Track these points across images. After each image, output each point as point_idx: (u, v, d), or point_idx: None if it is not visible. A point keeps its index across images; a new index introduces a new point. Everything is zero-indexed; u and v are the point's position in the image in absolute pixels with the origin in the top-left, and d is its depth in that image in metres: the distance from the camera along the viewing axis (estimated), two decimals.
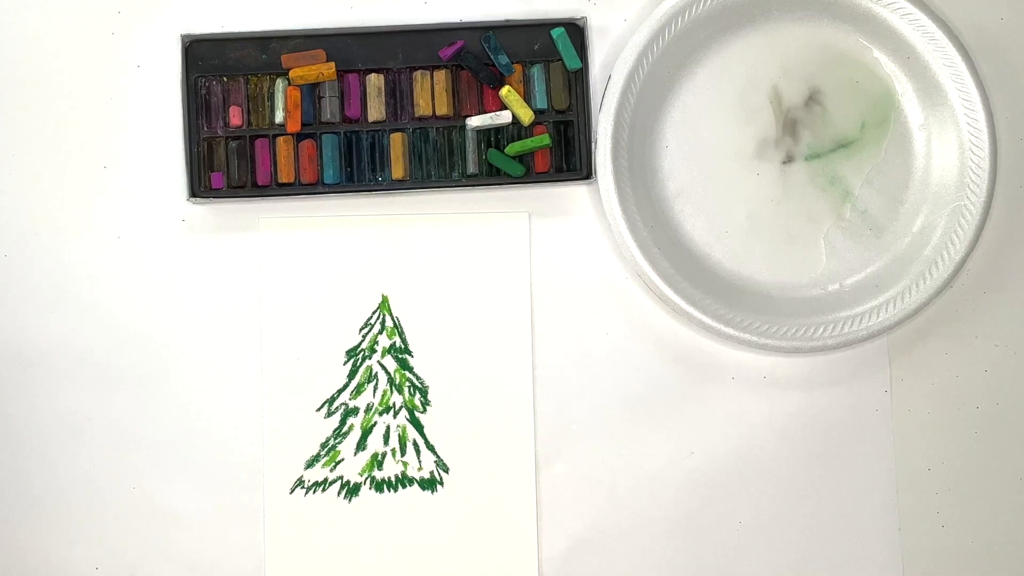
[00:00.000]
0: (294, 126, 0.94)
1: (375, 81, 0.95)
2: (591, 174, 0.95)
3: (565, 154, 0.96)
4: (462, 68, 0.95)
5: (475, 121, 0.95)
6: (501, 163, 0.95)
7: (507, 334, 0.96)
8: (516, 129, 0.95)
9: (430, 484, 0.96)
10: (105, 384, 0.95)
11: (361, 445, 0.96)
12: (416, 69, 0.95)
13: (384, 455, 0.96)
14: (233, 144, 0.95)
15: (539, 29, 0.95)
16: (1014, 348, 0.98)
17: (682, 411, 0.96)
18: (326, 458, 0.96)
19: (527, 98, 0.95)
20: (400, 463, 0.96)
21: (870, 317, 0.94)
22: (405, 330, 0.96)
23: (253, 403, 0.95)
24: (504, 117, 0.95)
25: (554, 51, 0.95)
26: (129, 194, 0.96)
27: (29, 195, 0.95)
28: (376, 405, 0.96)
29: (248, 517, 0.95)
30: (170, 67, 0.95)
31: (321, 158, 0.95)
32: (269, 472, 0.95)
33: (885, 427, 0.97)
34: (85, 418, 0.95)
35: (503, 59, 0.95)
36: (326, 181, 0.94)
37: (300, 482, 0.95)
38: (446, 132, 0.95)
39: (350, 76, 0.95)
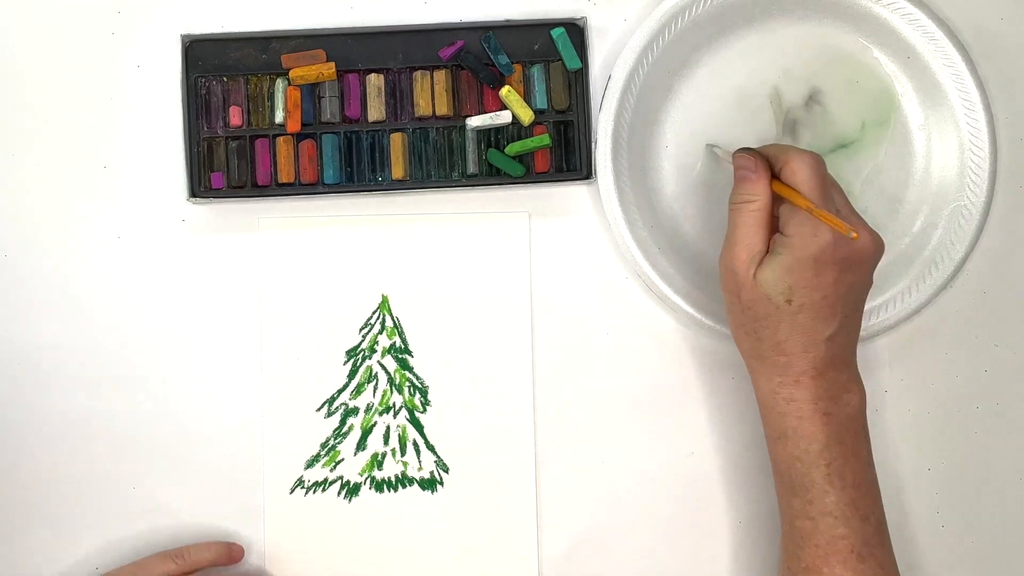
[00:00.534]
0: (294, 126, 0.94)
1: (375, 81, 0.95)
2: (591, 174, 0.95)
3: (565, 154, 0.96)
4: (462, 68, 0.95)
5: (475, 121, 0.95)
6: (501, 163, 0.95)
7: (507, 334, 0.96)
8: (516, 129, 0.95)
9: (430, 484, 0.96)
10: (105, 384, 0.95)
11: (361, 445, 0.96)
12: (416, 69, 0.95)
13: (384, 455, 0.96)
14: (233, 144, 0.95)
15: (539, 29, 0.95)
16: (1014, 348, 0.98)
17: (682, 411, 0.96)
18: (326, 458, 0.96)
19: (527, 98, 0.95)
20: (400, 463, 0.96)
21: (870, 317, 0.94)
22: (405, 330, 0.96)
23: (253, 403, 0.96)
24: (504, 117, 0.95)
25: (554, 51, 0.95)
26: (129, 194, 0.96)
27: (29, 195, 0.95)
28: (376, 405, 0.96)
29: (248, 517, 0.95)
30: (170, 67, 0.95)
31: (321, 158, 0.95)
32: (269, 472, 0.95)
33: (885, 427, 0.97)
34: (85, 418, 0.95)
35: (503, 59, 0.95)
36: (326, 181, 0.94)
37: (300, 482, 0.95)
38: (446, 132, 0.95)
39: (350, 76, 0.95)
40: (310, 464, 0.96)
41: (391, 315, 0.96)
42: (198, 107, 0.95)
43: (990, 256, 0.98)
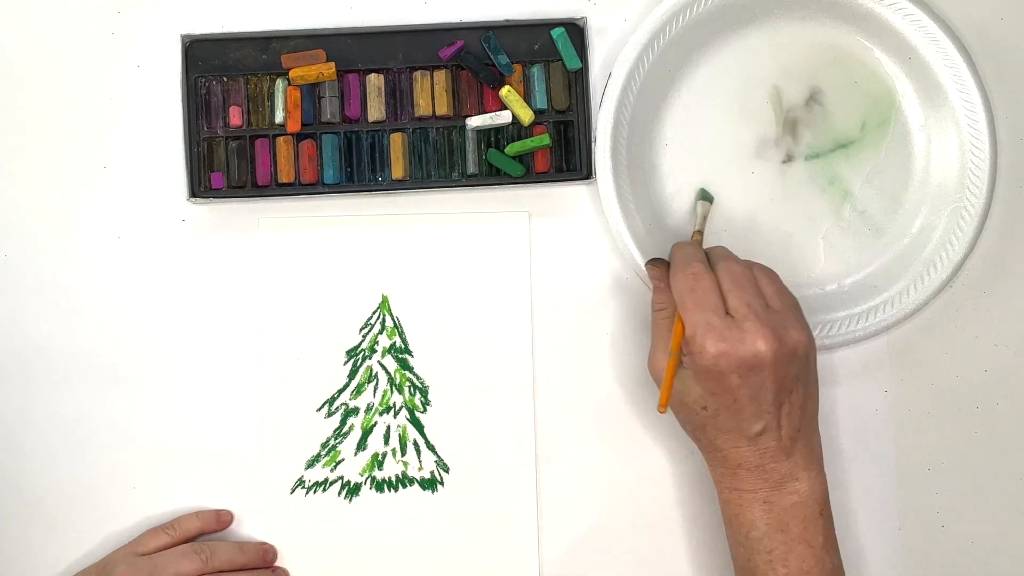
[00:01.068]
0: (294, 126, 0.94)
1: (375, 81, 0.95)
2: (591, 174, 0.95)
3: (565, 154, 0.96)
4: (462, 68, 0.95)
5: (475, 121, 0.95)
6: (501, 163, 0.94)
7: (507, 334, 0.96)
8: (516, 129, 0.95)
9: (430, 484, 0.96)
10: (105, 384, 0.95)
11: (361, 445, 0.96)
12: (416, 69, 0.95)
13: (384, 455, 0.96)
14: (233, 144, 0.95)
15: (539, 29, 0.95)
16: (1014, 348, 0.98)
17: None
18: (326, 458, 0.96)
19: (527, 98, 0.95)
20: (400, 463, 0.96)
21: (868, 317, 0.95)
22: (405, 330, 0.96)
23: (253, 403, 0.96)
24: (504, 117, 0.95)
25: (554, 51, 0.95)
26: (129, 194, 0.96)
27: (29, 195, 0.95)
28: (376, 405, 0.96)
29: (249, 517, 0.95)
30: (170, 67, 0.95)
31: (321, 158, 0.95)
32: (270, 472, 0.95)
33: (885, 427, 0.97)
34: (85, 418, 0.95)
35: (503, 59, 0.95)
36: (326, 181, 0.94)
37: (301, 482, 0.95)
38: (446, 132, 0.95)
39: (350, 76, 0.95)
40: (310, 464, 0.96)
41: (391, 315, 0.96)
42: (198, 107, 0.95)
43: (990, 256, 0.98)
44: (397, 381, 0.96)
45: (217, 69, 0.95)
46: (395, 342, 0.96)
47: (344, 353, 0.96)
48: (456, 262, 0.96)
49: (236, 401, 0.95)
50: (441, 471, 0.96)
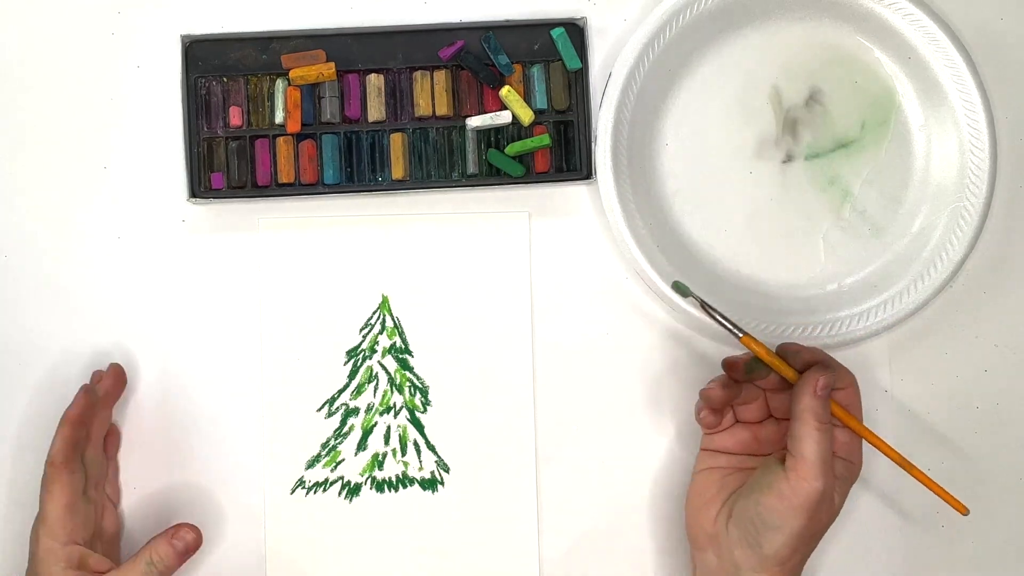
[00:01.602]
0: (294, 126, 0.94)
1: (375, 81, 0.95)
2: (591, 174, 0.95)
3: (565, 154, 0.96)
4: (462, 68, 0.95)
5: (475, 121, 0.95)
6: (501, 163, 0.95)
7: (507, 334, 0.96)
8: (516, 129, 0.95)
9: (431, 484, 0.96)
10: None
11: (362, 445, 0.96)
12: (416, 69, 0.95)
13: (385, 455, 0.96)
14: (233, 144, 0.95)
15: (539, 29, 0.95)
16: (1014, 348, 0.98)
17: (682, 411, 0.96)
18: (327, 458, 0.96)
19: (527, 98, 0.95)
20: (401, 463, 0.96)
21: (868, 317, 0.95)
22: (405, 330, 0.96)
23: (253, 403, 0.96)
24: (504, 117, 0.95)
25: (554, 51, 0.95)
26: (129, 194, 0.96)
27: (29, 195, 0.95)
28: (376, 405, 0.96)
29: (249, 517, 0.95)
30: (170, 67, 0.95)
31: (321, 158, 0.95)
32: (270, 472, 0.95)
33: (885, 427, 0.97)
34: None
35: (503, 59, 0.95)
36: (326, 181, 0.94)
37: (301, 482, 0.95)
38: (446, 132, 0.95)
39: (350, 76, 0.95)
40: (311, 464, 0.96)
41: (391, 315, 0.96)
42: (198, 107, 0.95)
43: (990, 256, 0.98)
44: (397, 381, 0.96)
45: (217, 69, 0.95)
46: (395, 342, 0.96)
47: (344, 353, 0.96)
48: (456, 262, 0.96)
49: (236, 401, 0.95)
50: (441, 471, 0.96)
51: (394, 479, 0.96)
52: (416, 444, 0.96)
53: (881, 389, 0.97)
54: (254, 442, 0.95)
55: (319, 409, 0.96)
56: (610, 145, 0.94)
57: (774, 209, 0.97)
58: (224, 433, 0.95)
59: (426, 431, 0.96)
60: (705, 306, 0.87)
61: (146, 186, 0.96)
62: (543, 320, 0.96)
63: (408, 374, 0.96)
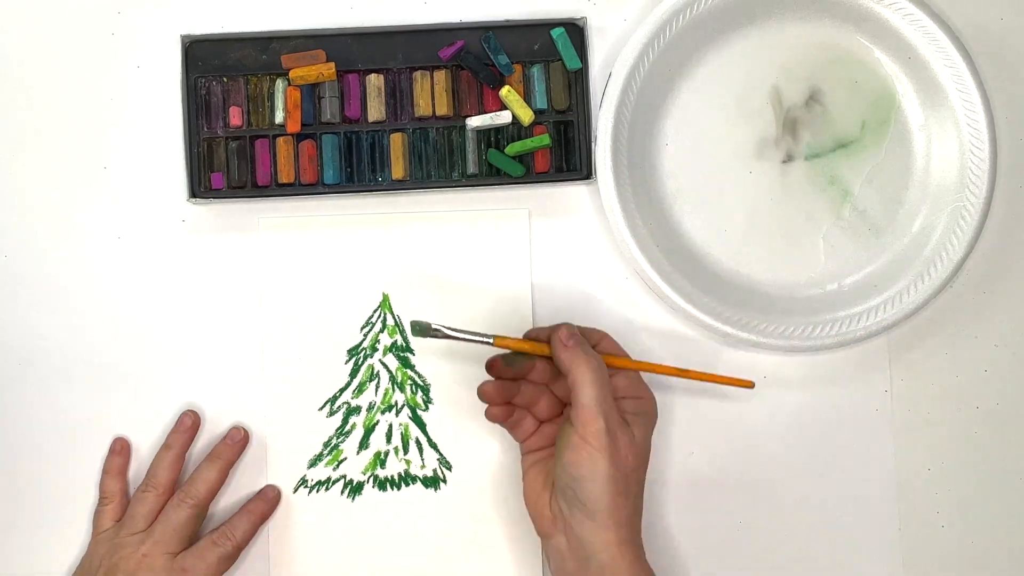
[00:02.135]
0: (294, 126, 0.94)
1: (375, 81, 0.95)
2: (591, 174, 0.95)
3: (565, 154, 0.96)
4: (462, 68, 0.95)
5: (475, 121, 0.95)
6: (501, 163, 0.95)
7: (507, 333, 0.96)
8: (516, 129, 0.95)
9: (433, 482, 0.96)
10: (105, 384, 0.95)
11: (364, 444, 0.96)
12: (416, 69, 0.95)
13: (387, 453, 0.96)
14: (233, 144, 0.95)
15: (539, 29, 0.95)
16: (1014, 348, 0.98)
17: (682, 411, 0.97)
18: (329, 457, 0.96)
19: (527, 98, 0.95)
20: (403, 461, 0.96)
21: (868, 317, 0.95)
22: (406, 328, 0.96)
23: (255, 403, 0.96)
24: (504, 117, 0.95)
25: (554, 51, 0.95)
26: (129, 194, 0.96)
27: (29, 195, 0.95)
28: (378, 404, 0.96)
29: None
30: (170, 67, 0.95)
31: (321, 158, 0.95)
32: (272, 472, 0.96)
33: (885, 427, 0.97)
34: (85, 418, 0.95)
35: (503, 59, 0.95)
36: (326, 181, 0.94)
37: (303, 481, 0.96)
38: (446, 132, 0.95)
39: (350, 76, 0.95)
40: (313, 463, 0.96)
41: (392, 313, 0.96)
42: (198, 107, 0.95)
43: (990, 256, 0.98)
44: (399, 379, 0.96)
45: (217, 69, 0.95)
46: (396, 340, 0.97)
47: (345, 352, 0.96)
48: (457, 261, 0.96)
49: (237, 401, 0.96)
50: (443, 469, 0.96)
51: (396, 477, 0.96)
52: (418, 442, 0.96)
53: (881, 389, 0.97)
54: (256, 442, 0.96)
55: (321, 408, 0.96)
56: (610, 145, 0.94)
57: (774, 209, 0.97)
58: (225, 433, 0.95)
59: (428, 429, 0.96)
60: (449, 330, 0.88)
61: (146, 186, 0.96)
62: (543, 320, 0.96)
63: (409, 372, 0.96)
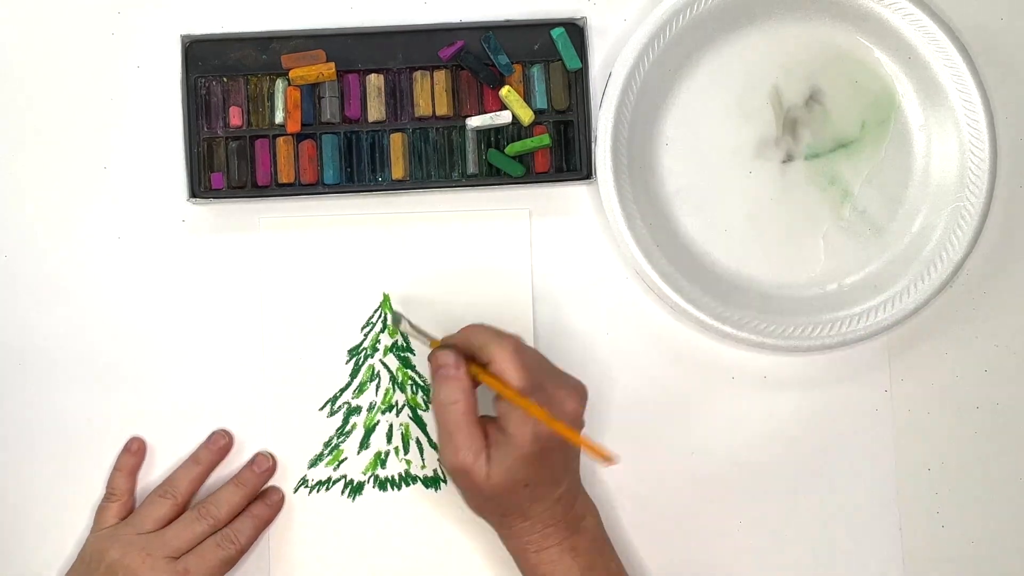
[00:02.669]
0: (294, 126, 0.94)
1: (375, 81, 0.95)
2: (591, 174, 0.95)
3: (565, 154, 0.96)
4: (462, 68, 0.95)
5: (475, 121, 0.95)
6: (501, 163, 0.95)
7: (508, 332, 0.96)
8: (516, 129, 0.95)
9: (433, 482, 0.96)
10: (105, 384, 0.95)
11: (364, 444, 0.96)
12: (416, 69, 0.95)
13: (387, 453, 0.96)
14: (233, 144, 0.95)
15: (539, 29, 0.95)
16: (1014, 348, 0.98)
17: (682, 411, 0.97)
18: (329, 457, 0.96)
19: (527, 98, 0.95)
20: (403, 461, 0.96)
21: (868, 317, 0.95)
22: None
23: (255, 403, 0.96)
24: (504, 117, 0.95)
25: (554, 51, 0.95)
26: (129, 194, 0.96)
27: (29, 195, 0.95)
28: (378, 403, 0.96)
29: None
30: (170, 67, 0.95)
31: (321, 158, 0.95)
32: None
33: (885, 427, 0.97)
34: (85, 418, 0.95)
35: (503, 59, 0.95)
36: (326, 181, 0.94)
37: (304, 481, 0.96)
38: (446, 132, 0.95)
39: (350, 76, 0.95)
40: (313, 463, 0.96)
41: (392, 313, 0.96)
42: (198, 107, 0.95)
43: (990, 256, 0.98)
44: (399, 379, 0.96)
45: (217, 69, 0.95)
46: (397, 340, 0.97)
47: (346, 352, 0.96)
48: (457, 261, 0.96)
49: (238, 401, 0.96)
50: (444, 469, 0.96)
51: (397, 477, 0.96)
52: (418, 442, 0.96)
53: (881, 389, 0.97)
54: (256, 442, 0.96)
55: (321, 408, 0.96)
56: (610, 145, 0.94)
57: (774, 209, 0.97)
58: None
59: (428, 429, 0.96)
60: (411, 326, 0.89)
61: (146, 186, 0.96)
62: (543, 320, 0.96)
63: (410, 372, 0.96)
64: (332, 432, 0.96)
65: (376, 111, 0.95)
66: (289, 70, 0.94)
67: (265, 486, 0.95)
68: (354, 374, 0.96)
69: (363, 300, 0.96)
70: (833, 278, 0.97)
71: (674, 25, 0.94)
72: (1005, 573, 0.98)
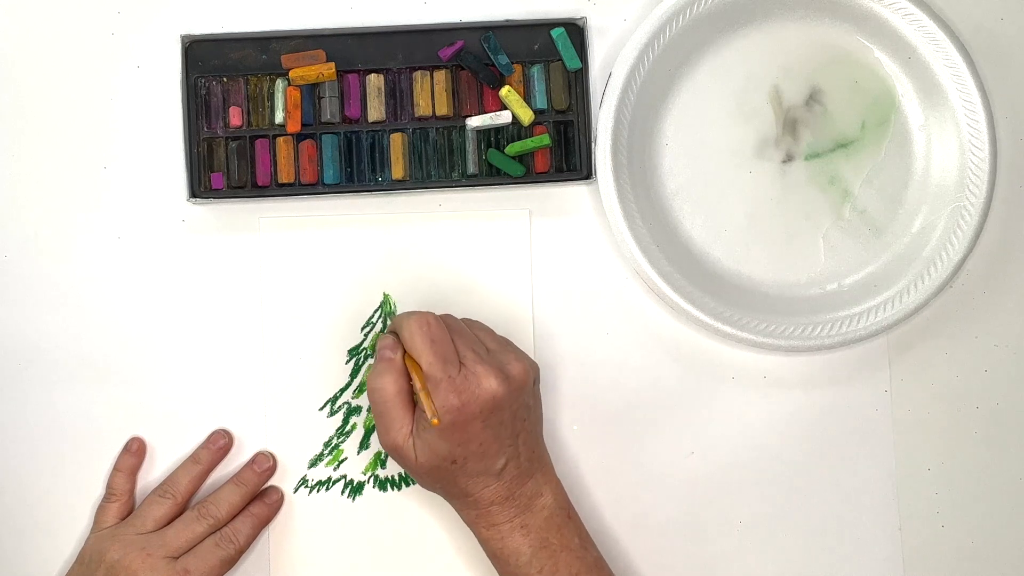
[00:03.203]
0: (294, 126, 0.94)
1: (375, 81, 0.95)
2: (591, 174, 0.95)
3: (565, 154, 0.96)
4: (462, 68, 0.95)
5: (475, 121, 0.95)
6: (501, 163, 0.95)
7: (508, 333, 0.96)
8: (516, 129, 0.95)
9: None
10: (105, 384, 0.95)
11: (364, 444, 0.96)
12: (416, 69, 0.95)
13: (387, 454, 0.96)
14: (233, 144, 0.94)
15: (539, 29, 0.95)
16: (1014, 348, 0.98)
17: (682, 411, 0.97)
18: (329, 457, 0.96)
19: (527, 98, 0.95)
20: None
21: (868, 317, 0.95)
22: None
23: (255, 403, 0.96)
24: (504, 117, 0.95)
25: (554, 51, 0.95)
26: (129, 194, 0.96)
27: (29, 195, 0.95)
28: None
29: None
30: (170, 67, 0.95)
31: (321, 158, 0.95)
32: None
33: (885, 427, 0.97)
34: (85, 418, 0.95)
35: (503, 59, 0.95)
36: (326, 181, 0.94)
37: (304, 481, 0.96)
38: (446, 132, 0.95)
39: (350, 76, 0.95)
40: (313, 463, 0.96)
41: (393, 313, 0.96)
42: (198, 107, 0.94)
43: (990, 256, 0.98)
44: None
45: (217, 69, 0.95)
46: None
47: (346, 352, 0.96)
48: (457, 261, 0.96)
49: (238, 401, 0.96)
50: None
51: (397, 478, 0.96)
52: None
53: (881, 389, 0.97)
54: (256, 442, 0.96)
55: (321, 408, 0.96)
56: (610, 145, 0.94)
57: (774, 209, 0.97)
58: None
59: None
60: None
61: (146, 186, 0.96)
62: (543, 320, 0.96)
63: None
64: (332, 432, 0.96)
65: (376, 111, 0.95)
66: (289, 70, 0.94)
67: (265, 486, 0.95)
68: (354, 374, 0.96)
69: (363, 300, 0.96)
70: (833, 278, 0.97)
71: (674, 25, 0.94)
72: (1005, 573, 0.98)
